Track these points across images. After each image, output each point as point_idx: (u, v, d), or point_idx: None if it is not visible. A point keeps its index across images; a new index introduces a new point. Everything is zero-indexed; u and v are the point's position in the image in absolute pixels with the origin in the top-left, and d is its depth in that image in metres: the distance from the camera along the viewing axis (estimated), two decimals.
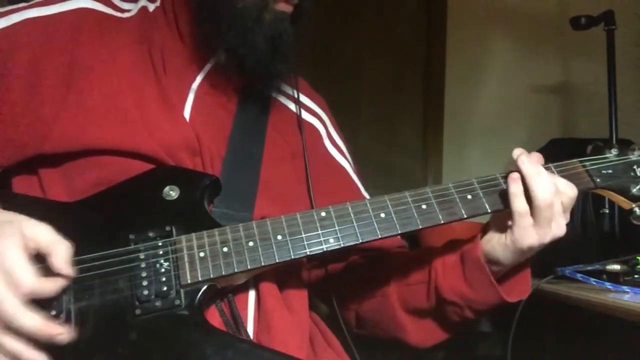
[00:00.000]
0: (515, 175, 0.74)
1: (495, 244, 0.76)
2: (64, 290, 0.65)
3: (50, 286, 0.61)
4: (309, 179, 0.85)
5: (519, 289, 0.81)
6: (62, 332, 0.60)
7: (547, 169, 0.78)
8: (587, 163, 0.80)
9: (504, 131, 2.38)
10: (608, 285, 1.12)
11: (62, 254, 0.62)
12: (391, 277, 0.86)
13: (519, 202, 0.73)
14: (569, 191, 0.75)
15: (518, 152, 0.76)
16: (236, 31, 0.77)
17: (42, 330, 0.59)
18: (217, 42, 0.79)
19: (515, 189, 0.73)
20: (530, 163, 0.74)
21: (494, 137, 2.39)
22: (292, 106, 0.93)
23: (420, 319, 0.84)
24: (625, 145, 0.82)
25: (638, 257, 1.13)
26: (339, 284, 0.90)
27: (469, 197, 0.75)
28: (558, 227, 0.74)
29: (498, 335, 1.58)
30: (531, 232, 0.73)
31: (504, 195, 0.75)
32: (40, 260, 0.62)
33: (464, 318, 0.81)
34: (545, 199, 0.72)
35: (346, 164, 0.96)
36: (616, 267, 1.16)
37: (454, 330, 0.85)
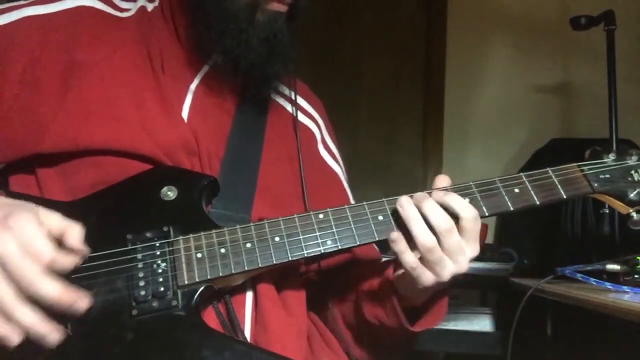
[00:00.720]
0: (395, 236, 0.70)
1: (398, 276, 0.76)
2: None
3: (68, 260, 0.61)
4: (303, 181, 0.85)
5: (431, 319, 0.79)
6: (82, 297, 0.60)
7: (544, 172, 0.78)
8: (585, 167, 0.79)
9: (504, 131, 2.38)
10: (608, 285, 1.12)
11: (76, 233, 0.62)
12: (338, 291, 0.86)
13: (406, 259, 0.70)
14: (467, 215, 0.70)
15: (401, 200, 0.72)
16: (230, 33, 0.77)
17: (62, 295, 0.59)
18: (213, 44, 0.79)
19: (398, 247, 0.70)
20: (409, 205, 0.70)
21: (494, 137, 2.39)
22: (289, 107, 0.92)
23: (358, 335, 0.84)
24: (623, 149, 0.82)
25: (638, 257, 1.13)
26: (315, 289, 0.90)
27: (467, 200, 0.74)
28: (457, 264, 0.70)
29: (498, 335, 1.58)
30: (425, 275, 0.70)
31: (503, 200, 0.75)
32: None
33: (387, 341, 0.81)
34: (425, 244, 0.69)
35: (338, 169, 0.96)
36: (616, 267, 1.16)
37: (390, 351, 0.84)
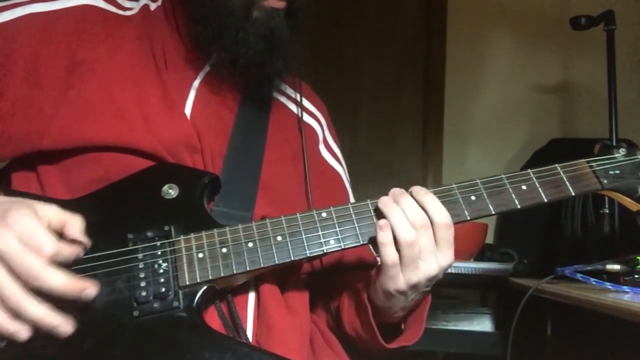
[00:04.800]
0: (382, 222, 0.68)
1: (372, 286, 0.74)
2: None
3: (69, 250, 0.61)
4: (308, 180, 0.85)
5: (407, 337, 0.79)
6: (89, 286, 0.60)
7: (552, 169, 0.77)
8: (593, 163, 0.78)
9: (504, 131, 2.38)
10: (608, 285, 1.11)
11: (76, 225, 0.63)
12: (324, 295, 0.86)
13: (388, 252, 0.68)
14: (442, 220, 0.69)
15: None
16: (228, 31, 0.77)
17: (70, 285, 0.59)
18: (211, 42, 0.79)
19: (383, 237, 0.68)
20: (390, 202, 0.70)
21: (494, 137, 2.39)
22: (293, 107, 0.92)
23: (344, 342, 0.84)
24: (633, 145, 0.81)
25: (638, 257, 1.12)
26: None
27: (473, 197, 0.74)
28: (426, 265, 0.69)
29: (498, 335, 1.58)
30: (399, 277, 0.69)
31: (510, 197, 0.74)
32: None
33: (367, 352, 0.81)
34: (406, 237, 0.67)
35: (340, 169, 0.95)
36: (616, 267, 1.15)
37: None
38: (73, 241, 0.62)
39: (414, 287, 0.70)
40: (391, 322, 0.78)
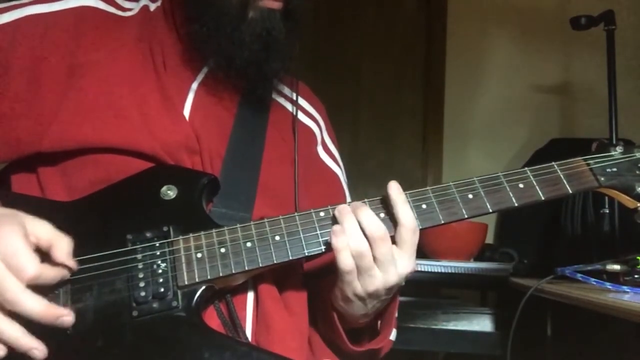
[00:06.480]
0: (337, 228, 0.68)
1: (333, 290, 0.74)
2: (61, 289, 0.65)
3: (52, 274, 0.61)
4: (296, 181, 0.84)
5: (379, 338, 0.79)
6: (65, 314, 0.60)
7: (549, 167, 0.77)
8: (591, 161, 0.78)
9: (504, 131, 2.38)
10: (608, 285, 1.11)
11: (64, 247, 0.62)
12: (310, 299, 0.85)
13: (344, 258, 0.67)
14: (408, 223, 0.69)
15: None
16: (224, 30, 0.77)
17: (45, 312, 0.59)
18: (208, 42, 0.78)
19: (339, 242, 0.67)
20: (346, 211, 0.70)
21: (494, 136, 2.39)
22: (291, 108, 0.92)
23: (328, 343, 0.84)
24: (630, 143, 0.81)
25: (638, 257, 1.12)
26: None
27: (470, 196, 0.74)
28: (385, 275, 0.68)
29: (498, 335, 1.58)
30: (354, 283, 0.69)
31: (507, 195, 0.74)
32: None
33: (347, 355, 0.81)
34: (357, 248, 0.67)
35: (338, 170, 0.95)
36: (616, 267, 1.15)
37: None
38: (59, 263, 0.62)
39: (372, 294, 0.70)
40: (359, 327, 0.78)
